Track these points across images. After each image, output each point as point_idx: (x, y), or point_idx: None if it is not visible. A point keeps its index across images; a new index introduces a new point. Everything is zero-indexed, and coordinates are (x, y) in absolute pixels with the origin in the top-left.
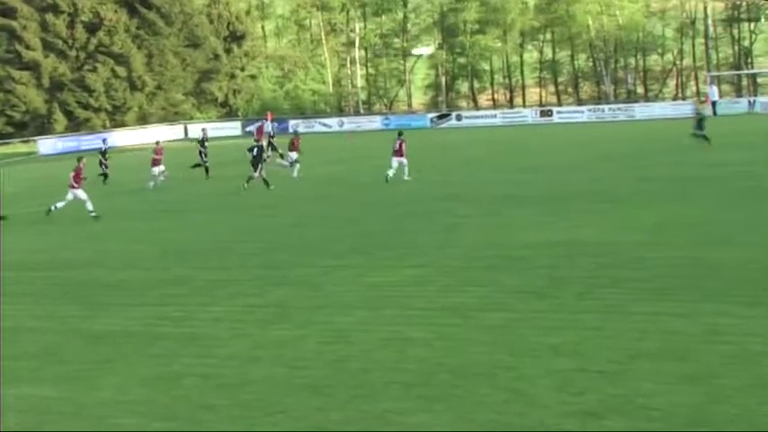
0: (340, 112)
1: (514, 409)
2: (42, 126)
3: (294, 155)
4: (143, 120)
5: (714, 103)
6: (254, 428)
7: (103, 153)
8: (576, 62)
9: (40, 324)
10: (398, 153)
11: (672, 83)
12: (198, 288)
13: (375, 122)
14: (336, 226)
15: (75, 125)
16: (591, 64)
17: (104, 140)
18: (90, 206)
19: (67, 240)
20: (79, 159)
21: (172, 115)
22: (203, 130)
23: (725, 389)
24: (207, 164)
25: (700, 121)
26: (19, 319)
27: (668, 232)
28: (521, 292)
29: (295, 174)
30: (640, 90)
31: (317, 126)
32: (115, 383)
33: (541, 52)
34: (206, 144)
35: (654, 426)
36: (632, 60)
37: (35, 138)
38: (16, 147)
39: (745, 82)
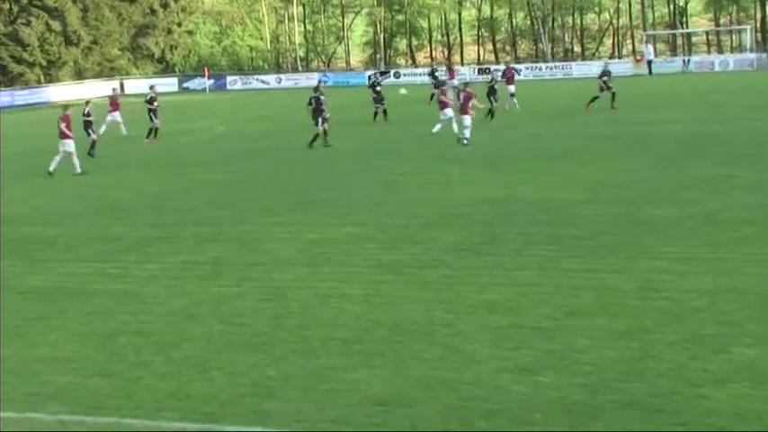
0: (278, 68)
1: (450, 365)
2: None
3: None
4: (78, 75)
5: (650, 62)
6: (191, 385)
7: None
8: (513, 20)
9: None
10: (510, 80)
11: (608, 42)
12: (134, 245)
13: (313, 79)
14: (273, 183)
15: (9, 80)
16: (529, 22)
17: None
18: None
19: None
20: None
21: (108, 71)
22: (152, 87)
23: (658, 344)
24: (156, 124)
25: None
26: None
27: (605, 190)
28: (458, 250)
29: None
30: (577, 49)
31: (254, 83)
32: (51, 340)
33: (479, 10)
34: (155, 102)
35: (587, 379)
36: (569, 19)
37: None
38: None
39: (679, 41)
